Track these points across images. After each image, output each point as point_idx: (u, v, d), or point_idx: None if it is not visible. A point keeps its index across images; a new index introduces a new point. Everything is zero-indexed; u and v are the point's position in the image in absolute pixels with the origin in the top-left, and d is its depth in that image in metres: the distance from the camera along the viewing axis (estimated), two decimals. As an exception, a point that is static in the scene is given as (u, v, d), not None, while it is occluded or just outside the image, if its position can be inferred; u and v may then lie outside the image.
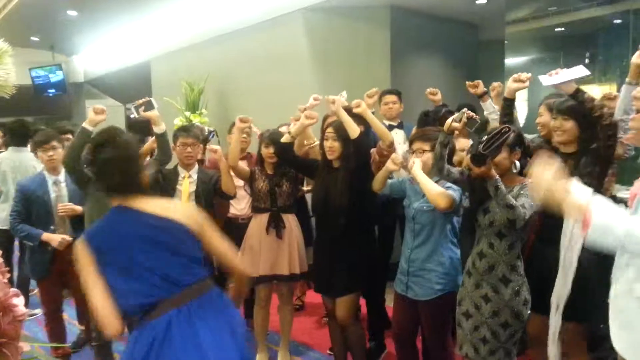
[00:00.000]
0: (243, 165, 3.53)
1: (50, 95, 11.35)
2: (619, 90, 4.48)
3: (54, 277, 3.28)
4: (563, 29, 6.11)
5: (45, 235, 3.16)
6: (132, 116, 3.12)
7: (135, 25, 8.39)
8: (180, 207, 2.04)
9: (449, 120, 2.44)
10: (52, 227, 3.24)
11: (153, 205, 1.80)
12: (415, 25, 6.17)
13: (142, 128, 3.96)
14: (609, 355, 1.79)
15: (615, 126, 2.35)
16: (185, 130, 3.35)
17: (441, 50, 6.48)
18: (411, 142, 2.74)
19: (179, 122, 6.56)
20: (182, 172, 3.28)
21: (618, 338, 1.65)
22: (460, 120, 2.43)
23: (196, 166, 3.34)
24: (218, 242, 1.93)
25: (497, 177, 2.16)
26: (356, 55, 5.86)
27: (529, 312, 2.32)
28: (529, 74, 2.62)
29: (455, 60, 6.63)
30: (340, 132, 2.89)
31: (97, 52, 10.55)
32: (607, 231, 1.38)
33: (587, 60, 5.98)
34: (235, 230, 3.63)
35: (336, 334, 3.12)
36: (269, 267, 3.24)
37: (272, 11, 6.12)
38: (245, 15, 6.47)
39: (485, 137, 2.12)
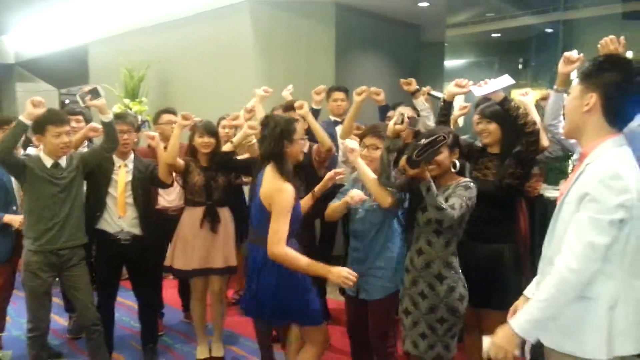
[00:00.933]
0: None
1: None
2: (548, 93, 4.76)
3: (12, 262, 3.31)
4: (499, 35, 6.39)
5: (7, 217, 3.17)
6: (81, 104, 3.01)
7: (73, 5, 8.03)
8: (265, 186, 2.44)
9: (391, 124, 2.43)
10: (13, 208, 3.26)
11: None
12: (359, 23, 6.28)
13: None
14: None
15: (537, 133, 2.53)
16: (120, 117, 3.28)
17: (384, 49, 6.63)
18: (362, 137, 2.72)
19: (117, 109, 6.36)
20: (117, 162, 3.20)
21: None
22: (402, 122, 2.41)
23: (132, 155, 3.26)
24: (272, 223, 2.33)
25: (429, 179, 2.22)
26: (301, 50, 5.89)
27: (464, 306, 2.39)
28: (470, 81, 2.76)
29: (398, 59, 6.80)
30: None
31: (30, 32, 10.02)
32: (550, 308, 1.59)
33: (520, 66, 6.29)
34: (163, 222, 3.57)
35: (261, 326, 3.08)
36: (204, 261, 3.24)
37: (217, 1, 6.04)
38: (190, 3, 6.35)
39: (422, 142, 2.17)
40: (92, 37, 8.30)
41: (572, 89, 1.70)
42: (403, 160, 2.25)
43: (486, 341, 1.66)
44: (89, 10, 7.95)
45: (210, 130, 3.27)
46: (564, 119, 1.81)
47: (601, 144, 1.61)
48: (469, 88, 2.75)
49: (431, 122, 3.20)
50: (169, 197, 3.85)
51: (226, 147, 3.08)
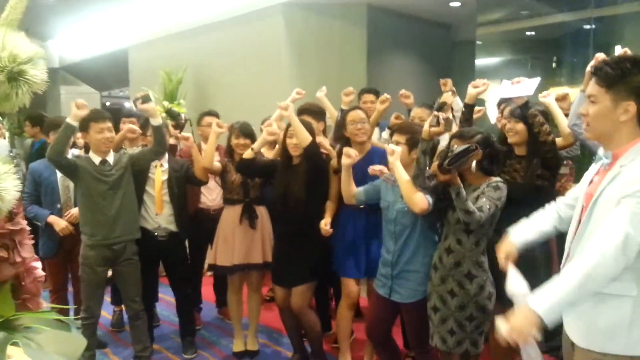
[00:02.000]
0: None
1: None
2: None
3: (60, 256, 3.51)
4: (532, 32, 6.35)
5: (51, 218, 3.38)
6: (133, 108, 3.23)
7: (114, 11, 8.35)
8: None
9: (426, 126, 2.44)
10: (58, 206, 3.45)
11: None
12: (391, 24, 6.35)
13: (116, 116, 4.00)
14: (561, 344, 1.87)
15: (551, 143, 2.60)
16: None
17: (416, 49, 6.68)
18: (391, 135, 2.82)
19: (156, 111, 6.59)
20: (153, 161, 3.37)
21: (573, 328, 1.73)
22: (438, 124, 2.41)
23: (166, 155, 3.43)
24: None
25: (459, 184, 2.27)
26: (333, 52, 6.00)
27: (493, 304, 2.43)
28: (485, 80, 2.81)
29: (429, 59, 6.84)
30: (305, 129, 3.03)
31: (73, 38, 10.44)
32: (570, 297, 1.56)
33: (554, 64, 6.24)
34: (206, 221, 3.74)
35: (288, 320, 3.24)
36: (243, 257, 3.35)
37: (251, 4, 6.21)
38: (225, 7, 6.54)
39: (453, 150, 2.23)
40: (132, 41, 8.59)
41: (597, 96, 1.65)
42: (434, 166, 2.31)
43: (501, 324, 1.62)
44: (129, 15, 8.25)
45: (246, 131, 3.41)
46: (582, 121, 1.81)
47: (634, 146, 1.61)
48: (486, 87, 2.79)
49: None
50: (210, 197, 3.98)
51: (246, 155, 3.17)
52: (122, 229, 3.11)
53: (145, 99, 3.06)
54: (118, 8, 8.15)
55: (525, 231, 2.01)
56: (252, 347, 3.60)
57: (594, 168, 1.80)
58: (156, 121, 3.11)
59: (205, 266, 4.16)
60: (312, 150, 3.00)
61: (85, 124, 3.08)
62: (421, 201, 2.42)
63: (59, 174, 3.41)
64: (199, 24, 6.97)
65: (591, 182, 1.76)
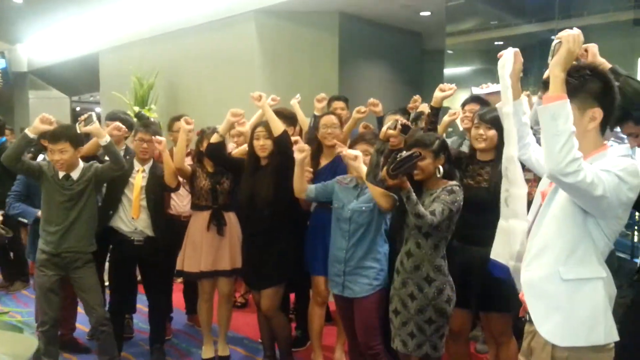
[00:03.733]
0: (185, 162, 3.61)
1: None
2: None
3: None
4: (501, 42, 6.48)
5: (40, 213, 3.30)
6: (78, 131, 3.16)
7: (84, 16, 8.26)
8: None
9: (384, 128, 2.55)
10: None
11: None
12: (362, 32, 6.42)
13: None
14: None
15: None
16: (145, 126, 3.41)
17: (387, 57, 6.76)
18: (352, 146, 2.84)
19: (127, 116, 6.53)
20: (136, 165, 3.36)
21: (544, 323, 1.66)
22: (395, 128, 2.51)
23: (151, 161, 3.41)
24: None
25: (409, 188, 2.29)
26: (305, 59, 6.04)
27: (452, 308, 2.47)
28: (453, 85, 2.85)
29: (400, 67, 6.93)
30: (271, 131, 3.04)
31: (42, 42, 10.28)
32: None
33: (521, 74, 6.38)
34: (177, 227, 3.69)
35: (263, 324, 3.25)
36: (211, 263, 3.33)
37: (224, 11, 6.22)
38: (197, 13, 6.53)
39: (399, 156, 2.26)
40: (102, 45, 8.51)
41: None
42: (384, 172, 2.33)
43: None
44: (99, 19, 8.17)
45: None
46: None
47: (596, 154, 1.61)
48: (452, 92, 2.80)
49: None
50: (182, 203, 3.95)
51: (213, 139, 3.18)
52: (74, 241, 3.05)
53: (88, 121, 3.02)
54: (89, 12, 8.07)
55: None
56: (223, 353, 3.57)
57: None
58: (103, 141, 3.07)
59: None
60: (284, 138, 3.03)
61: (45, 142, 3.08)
62: (389, 199, 2.54)
63: None
64: (171, 29, 6.94)
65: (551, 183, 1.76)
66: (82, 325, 3.80)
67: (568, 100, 1.50)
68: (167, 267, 3.55)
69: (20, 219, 3.41)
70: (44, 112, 3.06)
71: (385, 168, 2.30)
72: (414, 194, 2.31)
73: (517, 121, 2.02)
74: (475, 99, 3.48)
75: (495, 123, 2.69)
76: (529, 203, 2.47)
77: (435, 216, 2.31)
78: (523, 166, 2.68)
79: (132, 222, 3.31)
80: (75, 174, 3.06)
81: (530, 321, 1.72)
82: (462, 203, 2.41)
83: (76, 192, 3.04)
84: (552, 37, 5.73)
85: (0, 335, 0.95)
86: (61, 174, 3.04)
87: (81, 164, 3.12)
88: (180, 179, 3.48)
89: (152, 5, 7.11)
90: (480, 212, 2.51)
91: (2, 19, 9.18)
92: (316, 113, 3.82)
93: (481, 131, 2.71)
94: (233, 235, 3.39)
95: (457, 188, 2.43)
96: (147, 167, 3.38)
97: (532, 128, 2.72)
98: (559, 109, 1.49)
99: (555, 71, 1.54)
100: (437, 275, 2.43)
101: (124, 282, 3.40)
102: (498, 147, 2.68)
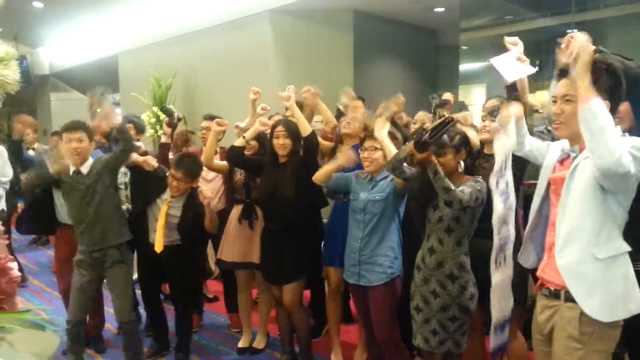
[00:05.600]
0: (217, 160, 3.66)
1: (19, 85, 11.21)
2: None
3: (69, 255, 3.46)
4: (517, 37, 6.44)
5: None
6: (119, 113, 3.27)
7: (103, 19, 8.39)
8: None
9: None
10: None
11: None
12: (377, 29, 6.43)
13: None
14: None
15: None
16: (178, 162, 3.27)
17: (402, 54, 6.76)
18: (362, 142, 2.86)
19: (146, 117, 6.65)
20: (167, 194, 3.32)
21: (589, 303, 1.74)
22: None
23: (185, 198, 3.33)
24: None
25: (436, 163, 2.28)
26: (320, 57, 6.07)
27: (475, 304, 2.46)
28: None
29: (415, 63, 6.92)
30: (291, 130, 3.08)
31: (63, 45, 10.47)
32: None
33: (537, 68, 6.33)
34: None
35: (282, 318, 3.30)
36: (243, 255, 3.39)
37: (239, 11, 6.28)
38: (213, 14, 6.60)
39: (430, 126, 2.26)
40: (121, 47, 8.64)
41: (575, 95, 1.73)
42: (410, 146, 2.29)
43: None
44: (118, 22, 8.30)
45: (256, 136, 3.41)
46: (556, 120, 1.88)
47: None
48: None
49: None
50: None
51: (237, 142, 3.22)
52: (99, 236, 3.08)
53: (101, 99, 3.16)
54: (108, 15, 8.20)
55: None
56: (257, 345, 3.65)
57: (553, 155, 1.95)
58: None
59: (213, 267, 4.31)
60: (312, 139, 3.10)
61: (60, 134, 3.12)
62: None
63: None
64: (188, 30, 7.03)
65: (554, 170, 1.92)
66: (111, 323, 3.88)
67: (600, 97, 1.65)
68: (192, 271, 3.56)
69: None
70: (65, 113, 3.15)
71: (413, 142, 2.27)
72: (440, 169, 2.30)
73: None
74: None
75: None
76: (528, 196, 2.45)
77: (464, 194, 2.29)
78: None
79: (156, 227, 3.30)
80: (84, 169, 3.10)
81: (547, 295, 1.89)
82: (485, 198, 2.37)
83: (88, 186, 3.06)
84: (568, 30, 5.64)
85: (22, 333, 0.99)
86: (72, 170, 3.08)
87: (90, 159, 3.15)
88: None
89: (169, 7, 7.21)
90: (486, 205, 2.47)
91: (23, 24, 9.38)
92: (341, 107, 3.85)
93: (486, 123, 2.72)
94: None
95: (482, 181, 2.40)
96: (175, 201, 3.30)
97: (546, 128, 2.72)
98: (596, 106, 1.62)
99: (582, 79, 1.66)
100: (461, 272, 2.42)
101: (150, 282, 3.45)
102: None
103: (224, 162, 3.53)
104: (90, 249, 3.09)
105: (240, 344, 3.66)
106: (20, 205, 4.76)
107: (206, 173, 3.85)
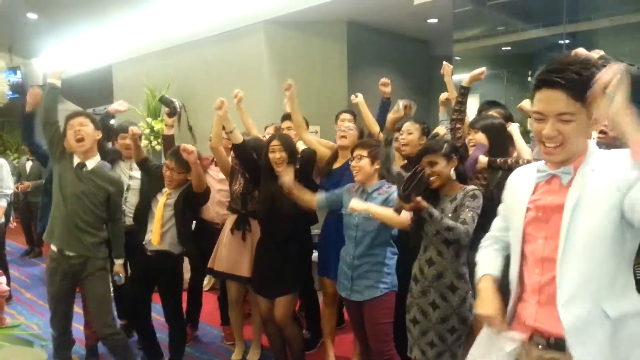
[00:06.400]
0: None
1: (8, 97, 11.17)
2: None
3: None
4: (509, 48, 6.49)
5: None
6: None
7: (97, 30, 8.39)
8: None
9: (389, 115, 2.67)
10: None
11: None
12: (370, 40, 6.46)
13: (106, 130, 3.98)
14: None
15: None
16: (173, 154, 3.24)
17: (396, 65, 6.79)
18: (352, 151, 2.87)
19: (140, 128, 6.61)
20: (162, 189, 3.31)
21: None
22: (397, 111, 2.64)
23: (183, 187, 3.33)
24: None
25: (427, 206, 2.26)
26: (314, 68, 6.09)
27: (473, 316, 2.41)
28: (484, 68, 2.96)
29: (409, 74, 6.95)
30: (286, 143, 3.10)
31: (57, 56, 10.46)
32: None
33: (529, 78, 6.38)
34: (209, 236, 3.66)
35: (272, 332, 3.27)
36: (231, 266, 3.36)
37: (233, 22, 6.30)
38: (207, 25, 6.62)
39: (405, 179, 2.29)
40: (115, 58, 8.64)
41: (574, 113, 1.42)
42: (397, 201, 2.34)
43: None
44: (112, 33, 8.30)
45: (251, 147, 3.38)
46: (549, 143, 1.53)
47: (588, 151, 1.49)
48: (482, 72, 2.94)
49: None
50: (222, 211, 3.84)
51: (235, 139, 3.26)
52: (74, 240, 2.94)
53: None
54: (102, 26, 8.20)
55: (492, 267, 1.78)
56: (251, 358, 3.63)
57: (520, 184, 1.63)
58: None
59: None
60: (309, 153, 3.24)
61: (65, 123, 3.04)
62: (403, 221, 2.54)
63: None
64: (182, 41, 7.04)
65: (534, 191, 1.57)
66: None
67: None
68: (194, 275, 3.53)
69: None
70: (60, 124, 3.12)
71: (398, 197, 2.31)
72: (434, 210, 2.29)
73: None
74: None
75: (484, 128, 2.73)
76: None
77: (467, 224, 2.28)
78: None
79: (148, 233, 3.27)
80: (90, 164, 3.01)
81: (545, 346, 1.51)
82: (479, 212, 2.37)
83: (87, 188, 2.95)
84: (560, 41, 5.70)
85: (9, 350, 0.98)
86: (76, 160, 2.99)
87: (98, 157, 3.06)
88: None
89: (163, 18, 7.22)
90: (481, 218, 2.45)
91: (18, 35, 9.38)
92: (385, 96, 3.91)
93: (470, 136, 2.78)
94: (255, 243, 3.36)
95: (478, 192, 2.40)
96: (174, 192, 3.28)
97: None
98: None
99: (626, 119, 1.32)
100: (460, 283, 2.41)
101: (139, 291, 3.34)
102: (491, 151, 2.71)
103: (228, 159, 3.54)
104: (66, 251, 2.94)
105: (234, 357, 3.65)
106: (13, 218, 4.73)
107: (216, 173, 3.83)
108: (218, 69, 6.55)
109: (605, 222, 1.41)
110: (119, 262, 3.19)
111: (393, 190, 2.69)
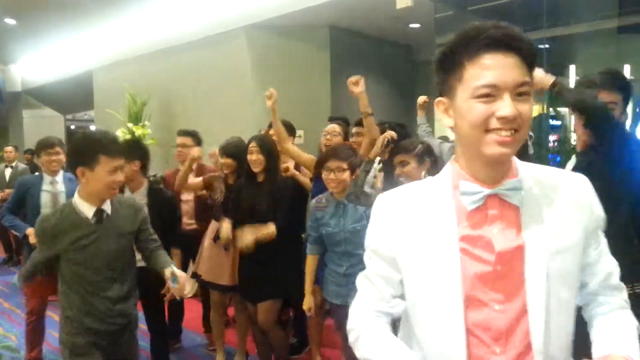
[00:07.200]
0: (192, 179, 3.63)
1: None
2: (544, 109, 4.90)
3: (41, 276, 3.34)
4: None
5: (29, 230, 3.28)
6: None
7: (77, 35, 8.31)
8: None
9: (374, 150, 2.66)
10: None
11: None
12: (353, 45, 6.47)
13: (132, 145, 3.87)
14: None
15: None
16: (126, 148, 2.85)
17: (379, 69, 6.81)
18: (325, 162, 2.64)
19: (120, 134, 6.55)
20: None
21: None
22: (381, 146, 2.63)
23: (145, 187, 3.22)
24: None
25: None
26: (297, 73, 6.08)
27: None
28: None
29: (392, 79, 6.98)
30: (264, 145, 3.05)
31: (36, 61, 10.32)
32: None
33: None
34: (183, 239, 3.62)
35: (258, 336, 3.24)
36: (213, 276, 3.33)
37: (216, 27, 6.27)
38: (189, 29, 6.58)
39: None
40: (96, 64, 8.54)
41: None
42: None
43: None
44: (92, 38, 8.22)
45: (228, 152, 3.35)
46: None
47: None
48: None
49: (428, 137, 3.32)
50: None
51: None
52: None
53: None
54: (82, 31, 8.12)
55: None
56: None
57: (420, 214, 1.07)
58: None
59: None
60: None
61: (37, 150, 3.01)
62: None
63: (45, 191, 3.41)
64: (164, 46, 6.98)
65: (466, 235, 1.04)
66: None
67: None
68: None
69: (13, 231, 3.52)
70: (38, 130, 3.06)
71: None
72: None
73: None
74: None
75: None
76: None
77: None
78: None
79: None
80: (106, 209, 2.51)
81: None
82: None
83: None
84: (540, 45, 5.77)
85: None
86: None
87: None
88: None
89: (144, 23, 7.17)
90: None
91: (-5, 40, 9.24)
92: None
93: None
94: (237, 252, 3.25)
95: None
96: (139, 195, 3.12)
97: None
98: None
99: None
100: None
101: None
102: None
103: (198, 180, 3.50)
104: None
105: None
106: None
107: (182, 195, 3.80)
108: (201, 74, 6.51)
109: (572, 269, 1.04)
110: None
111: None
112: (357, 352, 1.11)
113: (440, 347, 1.05)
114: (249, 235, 2.94)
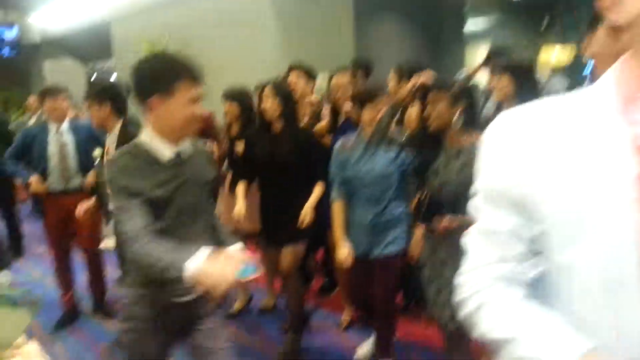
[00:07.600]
0: None
1: (4, 56, 10.98)
2: (579, 51, 4.62)
3: (58, 223, 3.42)
4: (523, -7, 6.21)
5: (34, 177, 3.31)
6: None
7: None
8: None
9: (402, 91, 2.54)
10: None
11: None
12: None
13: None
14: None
15: None
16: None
17: (404, 12, 6.52)
18: (357, 101, 2.63)
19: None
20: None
21: None
22: (410, 90, 2.50)
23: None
24: None
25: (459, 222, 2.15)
26: (319, 17, 5.85)
27: None
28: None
29: (418, 22, 6.68)
30: (280, 91, 2.84)
31: (55, 11, 10.19)
32: None
33: (545, 25, 6.11)
34: None
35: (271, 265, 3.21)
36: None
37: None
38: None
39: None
40: (114, 13, 8.39)
41: None
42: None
43: None
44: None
45: (233, 95, 3.22)
46: None
47: None
48: None
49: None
50: None
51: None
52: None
53: None
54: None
55: None
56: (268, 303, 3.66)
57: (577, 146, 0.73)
58: None
59: None
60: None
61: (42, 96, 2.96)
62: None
63: (52, 141, 3.37)
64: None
65: None
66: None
67: None
68: None
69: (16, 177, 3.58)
70: (59, 80, 2.99)
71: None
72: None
73: None
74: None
75: (507, 66, 2.60)
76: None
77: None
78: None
79: None
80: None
81: None
82: None
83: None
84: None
85: None
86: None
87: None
88: None
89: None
90: None
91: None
92: None
93: (495, 82, 2.62)
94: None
95: None
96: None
97: None
98: None
99: None
100: None
101: None
102: (517, 92, 2.54)
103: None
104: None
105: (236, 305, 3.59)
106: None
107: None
108: (219, 21, 6.32)
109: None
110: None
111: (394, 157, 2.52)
112: (478, 329, 0.82)
113: (618, 332, 0.71)
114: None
